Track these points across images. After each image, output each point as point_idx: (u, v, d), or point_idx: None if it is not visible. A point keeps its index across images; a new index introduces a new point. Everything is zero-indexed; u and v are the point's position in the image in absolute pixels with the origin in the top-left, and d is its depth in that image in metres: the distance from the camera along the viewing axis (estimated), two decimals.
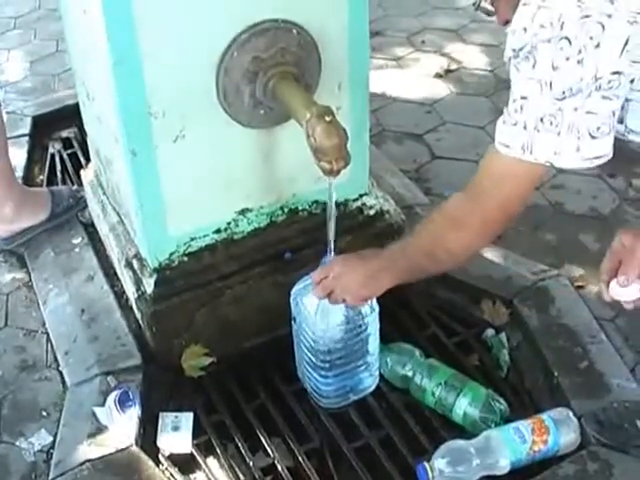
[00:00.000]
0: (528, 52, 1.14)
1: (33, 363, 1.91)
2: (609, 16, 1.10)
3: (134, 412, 1.69)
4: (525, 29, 1.15)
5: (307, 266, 1.86)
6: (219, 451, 1.71)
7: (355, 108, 1.81)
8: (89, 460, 1.60)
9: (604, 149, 1.19)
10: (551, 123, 1.17)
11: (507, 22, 1.26)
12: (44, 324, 2.00)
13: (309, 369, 1.75)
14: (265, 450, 1.71)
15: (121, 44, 1.48)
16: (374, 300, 1.66)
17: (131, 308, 1.93)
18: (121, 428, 1.67)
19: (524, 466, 1.58)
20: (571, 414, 1.62)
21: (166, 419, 1.74)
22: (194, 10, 1.50)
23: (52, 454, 1.67)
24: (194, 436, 1.72)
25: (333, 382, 1.73)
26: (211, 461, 1.69)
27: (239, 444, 1.72)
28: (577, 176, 2.45)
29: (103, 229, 2.07)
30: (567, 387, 1.70)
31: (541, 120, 1.18)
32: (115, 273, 2.04)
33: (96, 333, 1.89)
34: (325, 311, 1.64)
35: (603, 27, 1.10)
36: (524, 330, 1.90)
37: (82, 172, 2.20)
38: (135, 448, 1.63)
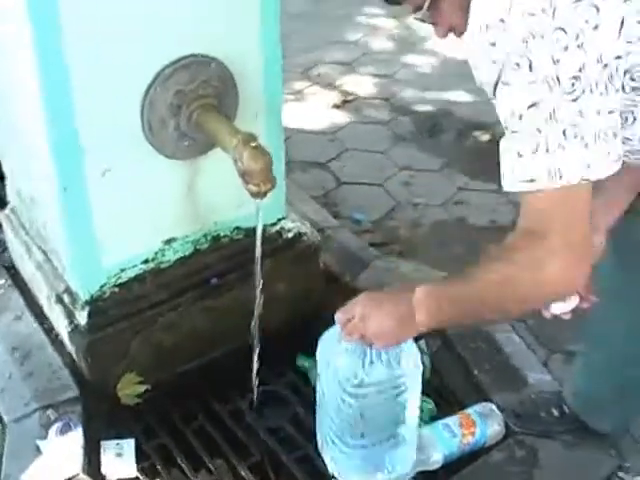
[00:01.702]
0: (519, 57, 1.06)
1: None
2: None
3: (77, 442, 1.72)
4: (503, 20, 1.08)
5: (233, 290, 1.95)
6: (163, 474, 1.75)
7: (271, 136, 1.91)
8: None
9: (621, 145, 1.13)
10: (575, 136, 1.07)
11: (450, 30, 1.26)
12: None
13: (332, 437, 1.56)
14: (208, 469, 1.76)
15: (52, 81, 1.53)
16: (418, 356, 1.50)
17: (62, 343, 1.96)
18: (66, 458, 1.69)
19: (456, 458, 1.69)
20: (494, 407, 1.75)
21: (108, 447, 1.78)
22: (120, 47, 1.58)
23: None
24: (137, 461, 1.75)
25: (360, 455, 1.55)
26: None
27: (182, 465, 1.76)
28: (476, 192, 2.62)
29: (28, 269, 2.09)
30: (488, 384, 1.83)
31: (564, 134, 1.08)
32: (42, 312, 2.06)
33: (30, 369, 1.90)
34: (359, 364, 1.45)
35: (597, 9, 1.05)
36: (442, 336, 2.02)
37: (0, 214, 2.22)
38: (82, 476, 1.66)
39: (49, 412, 1.80)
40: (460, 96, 3.36)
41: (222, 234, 1.98)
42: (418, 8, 1.25)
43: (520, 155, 1.10)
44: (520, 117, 1.08)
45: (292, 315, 2.06)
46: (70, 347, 1.90)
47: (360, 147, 2.98)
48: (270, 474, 1.77)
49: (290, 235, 2.08)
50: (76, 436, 1.74)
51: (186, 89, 1.68)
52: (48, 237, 1.94)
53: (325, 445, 1.62)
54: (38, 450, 1.72)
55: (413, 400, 1.52)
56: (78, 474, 1.66)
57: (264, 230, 2.01)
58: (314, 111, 3.22)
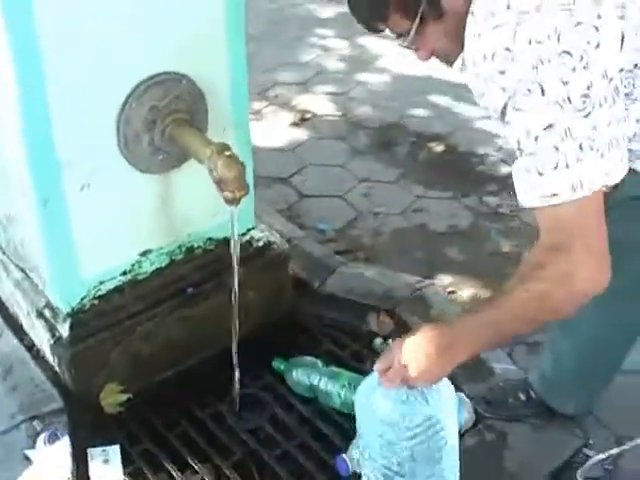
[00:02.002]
0: (530, 83, 1.15)
1: None
2: (599, 17, 1.15)
3: (65, 449, 1.77)
4: (509, 48, 1.16)
5: (208, 299, 2.03)
6: (150, 476, 1.81)
7: (240, 149, 1.98)
8: None
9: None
10: (591, 148, 1.15)
11: (433, 54, 1.35)
12: None
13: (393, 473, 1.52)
14: (193, 469, 1.82)
15: (30, 97, 1.61)
16: (455, 398, 1.52)
17: (43, 358, 2.01)
18: (56, 465, 1.74)
19: None
20: (464, 396, 1.85)
21: (95, 454, 1.83)
22: (96, 64, 1.66)
23: None
24: (124, 466, 1.81)
25: None
26: None
27: (167, 467, 1.82)
28: (434, 199, 2.74)
29: (6, 288, 2.13)
30: (457, 375, 1.92)
31: (580, 148, 1.15)
32: (22, 329, 2.10)
33: (13, 384, 1.95)
34: (401, 408, 1.44)
35: (597, 29, 1.15)
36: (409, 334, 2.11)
37: None
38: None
39: (35, 423, 1.85)
40: (412, 110, 3.49)
41: (195, 245, 2.06)
42: (402, 35, 1.34)
43: (540, 174, 1.17)
44: (536, 139, 1.16)
45: (264, 320, 2.14)
46: (53, 360, 1.95)
47: (319, 162, 3.08)
48: (253, 472, 1.83)
49: (260, 244, 2.17)
50: (63, 444, 1.79)
51: (160, 105, 1.77)
52: (26, 255, 1.99)
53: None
54: (27, 459, 1.77)
55: (453, 435, 1.54)
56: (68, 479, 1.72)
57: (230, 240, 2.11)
58: (273, 129, 3.31)
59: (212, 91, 1.87)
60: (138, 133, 1.77)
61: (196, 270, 2.07)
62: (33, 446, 1.79)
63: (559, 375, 1.82)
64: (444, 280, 2.37)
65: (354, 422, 1.84)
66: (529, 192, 1.21)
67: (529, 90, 1.14)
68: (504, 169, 2.89)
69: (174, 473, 1.81)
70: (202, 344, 2.06)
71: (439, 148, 3.20)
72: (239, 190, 1.66)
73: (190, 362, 2.04)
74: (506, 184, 2.81)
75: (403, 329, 2.15)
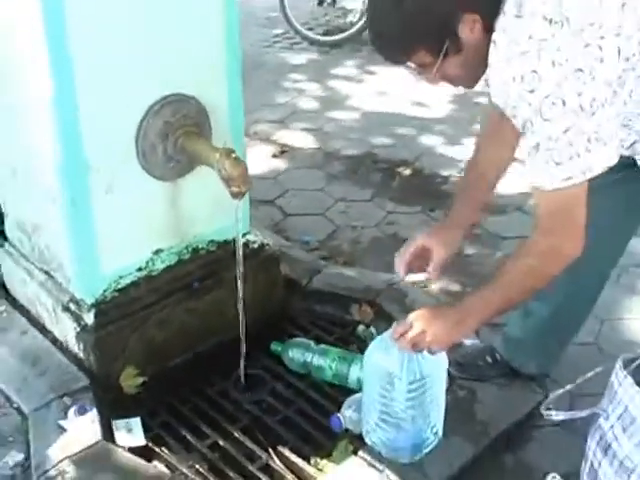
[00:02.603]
0: (555, 98, 1.40)
1: None
2: (602, 38, 1.40)
3: (94, 419, 2.04)
4: (536, 72, 1.41)
5: (210, 293, 2.32)
6: (168, 440, 2.07)
7: None
8: (67, 457, 1.93)
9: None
10: (597, 140, 1.43)
11: (443, 79, 1.58)
12: None
13: (384, 426, 1.87)
14: (206, 435, 2.09)
15: (65, 111, 1.91)
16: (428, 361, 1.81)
17: (67, 349, 2.27)
18: (87, 432, 2.01)
19: None
20: None
21: (119, 424, 2.09)
22: (119, 87, 1.97)
23: (28, 465, 1.97)
24: (145, 434, 2.08)
25: (411, 435, 1.87)
26: (165, 448, 2.05)
27: (183, 433, 2.09)
28: (405, 214, 3.07)
29: (30, 291, 2.40)
30: None
31: (588, 141, 1.43)
32: (45, 327, 2.37)
33: (42, 369, 2.21)
34: (405, 369, 1.78)
35: (601, 48, 1.40)
36: (388, 320, 2.41)
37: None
38: (104, 442, 1.97)
39: (65, 399, 2.10)
40: (381, 141, 3.85)
41: (200, 246, 2.36)
42: (424, 67, 1.57)
43: (558, 163, 1.46)
44: (556, 140, 1.43)
45: (259, 313, 2.40)
46: (78, 347, 2.21)
47: (300, 187, 3.40)
48: (257, 434, 2.11)
49: (255, 246, 2.47)
50: (92, 415, 2.05)
51: (172, 120, 2.08)
52: (51, 257, 2.27)
53: (377, 428, 1.91)
54: (61, 428, 2.02)
55: (443, 387, 1.91)
56: (100, 440, 1.98)
57: (233, 242, 2.41)
58: (256, 160, 3.62)
59: (214, 110, 2.19)
60: (154, 144, 2.08)
61: (200, 268, 2.36)
62: (65, 418, 2.05)
63: (523, 339, 2.13)
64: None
65: (344, 391, 2.16)
66: (549, 178, 1.49)
67: (553, 103, 1.40)
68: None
69: (189, 437, 2.08)
70: (207, 332, 2.33)
71: (407, 172, 3.55)
72: (244, 185, 1.98)
73: (198, 348, 2.31)
74: None
75: (382, 317, 2.46)
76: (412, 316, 1.74)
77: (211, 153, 2.02)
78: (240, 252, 2.14)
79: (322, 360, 2.25)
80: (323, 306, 2.55)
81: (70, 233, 2.11)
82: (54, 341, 2.33)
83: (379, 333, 2.36)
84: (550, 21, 1.41)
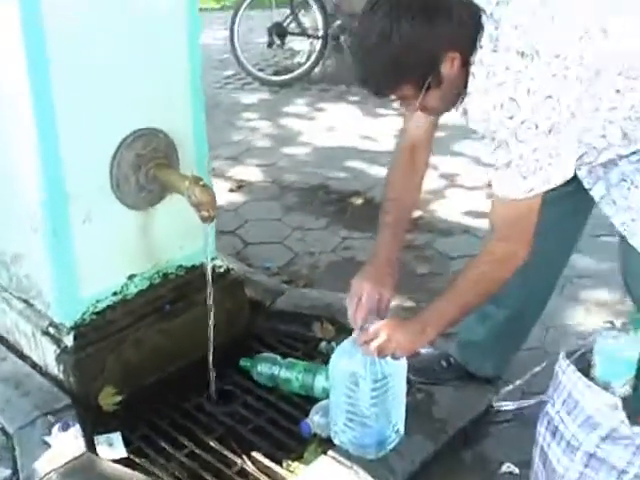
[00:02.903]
0: (530, 123, 1.60)
1: None
2: (566, 68, 1.60)
3: (77, 433, 2.17)
4: (514, 99, 1.60)
5: (180, 315, 2.48)
6: (149, 452, 2.21)
7: None
8: (54, 469, 2.05)
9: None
10: (558, 155, 1.65)
11: (421, 109, 1.76)
12: None
13: (351, 425, 2.04)
14: (184, 445, 2.23)
15: (47, 147, 2.07)
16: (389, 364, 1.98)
17: (47, 372, 2.40)
18: (71, 446, 2.13)
19: None
20: None
21: (100, 439, 2.21)
22: (95, 121, 2.14)
23: (17, 478, 2.08)
24: (126, 447, 2.21)
25: (376, 432, 2.04)
26: (145, 459, 2.18)
27: (162, 444, 2.23)
28: (359, 239, 3.27)
29: (8, 320, 2.52)
30: None
31: (550, 157, 1.64)
32: (23, 354, 2.49)
33: (25, 391, 2.32)
34: (368, 370, 1.96)
35: (565, 77, 1.60)
36: (348, 336, 2.57)
37: None
38: (89, 454, 2.10)
39: (49, 417, 2.21)
40: (333, 174, 4.06)
41: (170, 271, 2.51)
42: (407, 99, 1.72)
43: (524, 177, 1.67)
44: (527, 158, 1.64)
45: (227, 333, 2.55)
46: (58, 369, 2.33)
47: (258, 218, 3.58)
48: (232, 443, 2.25)
49: (221, 270, 2.63)
50: (75, 430, 2.18)
51: (143, 152, 2.25)
52: (31, 285, 2.40)
53: (345, 429, 2.07)
54: (46, 444, 2.15)
55: (403, 387, 2.09)
56: (85, 452, 2.11)
57: (201, 266, 2.57)
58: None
59: (181, 143, 2.37)
60: (127, 175, 2.25)
61: (171, 291, 2.51)
62: (49, 434, 2.17)
63: (479, 343, 2.32)
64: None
65: (311, 400, 2.32)
66: (514, 190, 1.70)
67: (528, 127, 1.60)
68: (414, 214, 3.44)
69: (168, 448, 2.21)
70: (180, 351, 2.48)
71: (359, 202, 3.76)
72: (213, 209, 2.15)
73: (171, 367, 2.46)
74: (417, 225, 3.37)
75: (343, 333, 2.62)
76: (377, 326, 1.91)
77: (181, 182, 2.19)
78: (209, 273, 2.30)
79: (289, 373, 2.41)
80: (287, 325, 2.71)
81: (52, 261, 2.25)
82: (33, 366, 2.45)
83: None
84: (523, 54, 1.60)
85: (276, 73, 5.77)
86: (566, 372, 1.81)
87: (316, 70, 5.67)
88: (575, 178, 1.86)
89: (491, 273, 1.84)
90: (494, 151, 1.70)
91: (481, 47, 1.64)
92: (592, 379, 1.79)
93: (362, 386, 1.97)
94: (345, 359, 2.01)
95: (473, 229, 3.36)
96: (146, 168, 2.26)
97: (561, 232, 2.11)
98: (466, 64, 1.67)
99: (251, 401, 2.40)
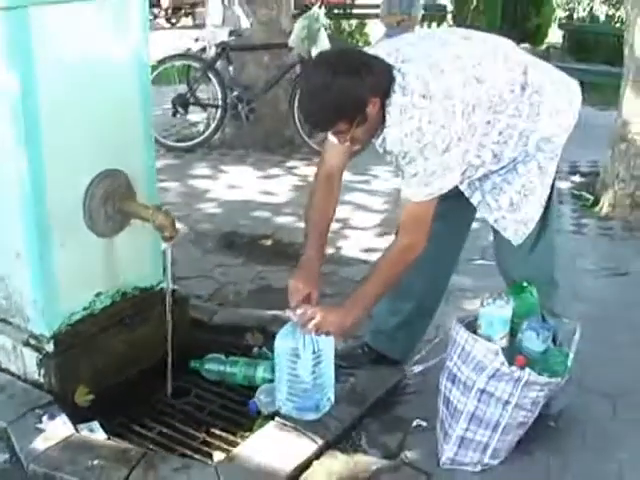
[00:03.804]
0: (431, 145, 2.20)
1: None
2: (453, 105, 2.20)
3: (65, 420, 2.60)
4: (420, 129, 2.19)
5: (138, 328, 2.95)
6: (125, 434, 2.65)
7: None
8: (50, 447, 2.48)
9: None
10: (449, 168, 2.26)
11: (350, 142, 2.34)
12: None
13: (293, 396, 2.57)
14: (153, 427, 2.69)
15: (36, 187, 2.55)
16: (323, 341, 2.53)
17: (26, 380, 2.80)
18: (62, 429, 2.56)
19: None
20: None
21: (82, 426, 2.62)
22: (73, 165, 2.63)
23: (16, 459, 2.48)
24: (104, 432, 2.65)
25: (314, 398, 2.57)
26: (123, 439, 2.62)
27: (135, 428, 2.68)
28: (273, 271, 3.82)
29: None
30: None
31: (444, 169, 2.25)
32: (1, 368, 2.89)
33: (10, 394, 2.72)
34: (306, 345, 2.51)
35: (454, 112, 2.20)
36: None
37: None
38: (77, 434, 2.54)
39: (37, 411, 2.64)
40: (242, 222, 4.63)
41: (128, 290, 2.99)
42: (340, 133, 2.29)
43: (426, 185, 2.27)
44: (429, 170, 2.25)
45: (175, 342, 3.04)
46: (39, 373, 2.74)
47: (182, 258, 4.06)
48: (192, 424, 2.73)
49: (168, 289, 3.12)
50: (63, 418, 2.61)
51: (110, 188, 2.76)
52: (10, 305, 2.82)
53: (286, 402, 2.61)
54: (39, 430, 2.56)
55: (332, 362, 2.63)
56: (74, 433, 2.55)
57: (152, 287, 3.07)
58: None
59: (137, 180, 2.89)
60: (97, 207, 2.74)
61: (130, 307, 2.98)
62: (40, 423, 2.59)
63: (390, 332, 2.88)
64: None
65: (253, 389, 2.83)
66: (418, 194, 2.30)
67: (430, 148, 2.21)
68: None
69: (141, 430, 2.67)
70: (139, 357, 2.94)
71: (268, 242, 4.33)
72: (173, 230, 2.68)
73: (133, 370, 2.91)
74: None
75: (271, 339, 3.15)
76: (313, 310, 2.46)
77: (145, 210, 2.72)
78: (169, 293, 2.81)
79: (233, 368, 2.92)
80: (224, 336, 3.22)
81: (35, 282, 2.69)
82: (12, 375, 2.85)
83: (271, 351, 3.08)
84: (424, 96, 2.22)
85: (178, 140, 6.34)
86: (459, 332, 2.42)
87: (215, 137, 6.26)
88: (460, 191, 2.53)
89: (399, 259, 2.43)
90: (405, 165, 2.31)
91: (394, 92, 2.26)
92: (479, 335, 2.40)
93: (302, 358, 2.51)
94: (287, 339, 2.55)
95: (369, 260, 3.97)
96: (113, 201, 2.76)
97: (451, 228, 2.72)
98: (383, 106, 2.28)
99: (203, 393, 2.89)
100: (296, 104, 5.90)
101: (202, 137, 6.19)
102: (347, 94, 2.20)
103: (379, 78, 2.26)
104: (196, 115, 6.64)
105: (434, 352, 3.03)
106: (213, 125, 6.17)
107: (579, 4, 12.06)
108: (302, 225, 4.42)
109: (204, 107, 6.42)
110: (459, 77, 2.28)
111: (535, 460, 2.52)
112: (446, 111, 2.23)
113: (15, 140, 2.51)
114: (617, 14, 10.86)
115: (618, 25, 10.31)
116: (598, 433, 2.67)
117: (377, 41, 8.27)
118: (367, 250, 4.20)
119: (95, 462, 2.41)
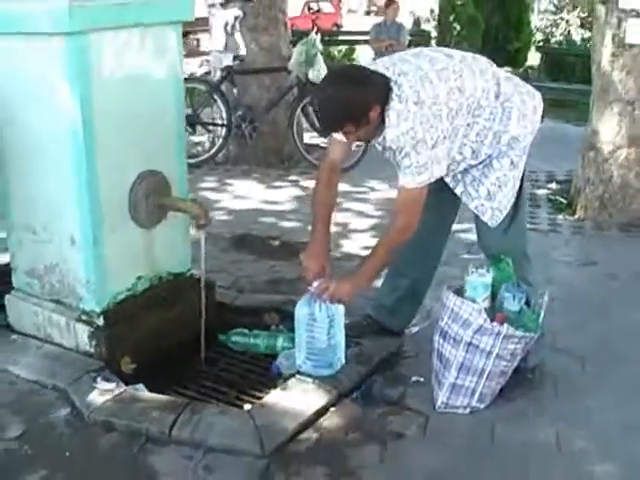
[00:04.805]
0: (422, 141, 2.67)
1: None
2: (440, 110, 2.67)
3: (117, 380, 3.07)
4: (413, 128, 2.66)
5: (173, 307, 3.43)
6: (168, 392, 3.11)
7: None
8: (105, 401, 2.95)
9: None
10: (437, 161, 2.72)
11: (357, 139, 2.93)
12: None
13: (311, 356, 3.04)
14: (191, 387, 3.16)
15: (93, 181, 3.04)
16: (334, 308, 3.01)
17: (77, 351, 3.26)
18: (114, 387, 3.03)
19: None
20: None
21: (129, 388, 3.11)
22: (120, 166, 3.12)
23: (77, 412, 2.94)
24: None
25: (328, 356, 3.05)
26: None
27: (176, 389, 3.15)
28: (284, 267, 4.31)
29: (40, 319, 3.36)
30: None
31: (432, 162, 2.71)
32: (54, 343, 3.34)
33: (66, 362, 3.16)
34: (322, 310, 2.99)
35: (440, 116, 2.68)
36: (290, 320, 3.59)
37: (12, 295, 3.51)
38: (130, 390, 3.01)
39: (91, 374, 3.11)
40: (253, 226, 5.13)
41: (163, 275, 3.48)
42: (348, 133, 2.80)
43: (419, 174, 2.74)
44: (421, 162, 2.72)
45: (204, 320, 3.52)
46: (90, 344, 3.20)
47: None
48: (224, 384, 3.20)
49: (197, 276, 3.61)
50: (115, 379, 3.08)
51: (150, 185, 3.25)
52: (62, 287, 3.29)
53: (306, 361, 3.08)
54: (94, 388, 3.03)
55: (342, 328, 3.13)
56: (126, 389, 3.02)
57: (183, 273, 3.56)
58: None
59: (172, 180, 3.38)
60: (140, 201, 3.23)
61: (165, 290, 3.47)
62: (96, 383, 3.06)
63: (390, 306, 3.37)
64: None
65: (274, 357, 3.31)
66: (412, 182, 2.78)
67: (421, 145, 2.69)
68: None
69: (180, 390, 3.14)
70: (174, 332, 3.41)
71: (276, 242, 4.83)
72: (207, 218, 3.17)
73: (170, 343, 3.38)
74: None
75: (286, 318, 3.62)
76: (327, 281, 2.97)
77: (182, 203, 3.22)
78: (203, 265, 3.30)
79: (256, 339, 3.40)
80: (245, 317, 3.70)
81: (88, 264, 3.16)
82: (66, 349, 3.31)
83: (287, 329, 3.56)
84: (416, 103, 2.71)
85: (187, 157, 6.83)
86: (448, 297, 2.91)
87: (220, 154, 6.77)
88: (446, 185, 3.04)
89: (395, 238, 2.93)
90: (401, 159, 2.80)
91: (392, 99, 2.76)
92: (465, 299, 2.89)
93: (318, 320, 3.00)
94: (305, 307, 3.04)
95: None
96: (153, 196, 3.25)
97: (441, 212, 3.21)
98: (383, 111, 2.78)
99: (230, 361, 3.37)
100: (295, 122, 6.45)
101: (208, 154, 6.69)
102: (353, 102, 2.72)
103: (379, 88, 2.77)
104: (196, 136, 7.12)
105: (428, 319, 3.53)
106: (219, 143, 6.68)
107: (556, 28, 12.71)
108: (306, 228, 4.96)
109: (207, 127, 6.90)
110: (444, 87, 2.78)
111: (515, 405, 3.00)
112: (434, 114, 2.73)
113: (75, 141, 2.98)
114: None
115: None
116: (569, 385, 3.15)
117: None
118: (364, 248, 4.69)
119: (146, 409, 2.87)
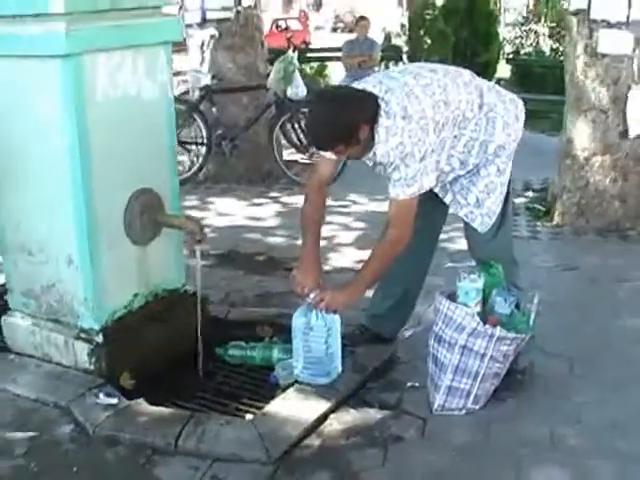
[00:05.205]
0: (411, 155, 2.77)
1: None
2: (426, 124, 2.76)
3: (119, 395, 3.12)
4: (402, 143, 2.75)
5: (167, 321, 3.49)
6: (168, 406, 3.17)
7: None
8: (109, 416, 3.00)
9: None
10: (426, 173, 2.81)
11: (347, 157, 3.02)
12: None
13: (309, 365, 3.12)
14: (191, 400, 3.21)
15: (88, 202, 3.11)
16: (331, 318, 3.08)
17: (77, 369, 3.31)
18: (117, 402, 3.08)
19: None
20: None
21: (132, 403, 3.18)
22: (115, 184, 3.18)
23: (80, 428, 2.99)
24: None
25: (326, 366, 3.12)
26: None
27: (176, 402, 3.20)
28: (270, 282, 4.38)
29: (37, 338, 3.41)
30: None
31: (421, 174, 2.79)
32: (52, 361, 3.39)
33: (67, 380, 3.22)
34: (318, 320, 3.06)
35: (427, 130, 2.77)
36: (282, 333, 3.66)
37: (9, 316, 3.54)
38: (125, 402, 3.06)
39: (93, 390, 3.17)
40: (241, 243, 5.20)
41: (159, 292, 3.54)
42: (339, 153, 2.91)
43: (409, 186, 2.83)
44: (410, 175, 2.81)
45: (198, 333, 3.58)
46: (89, 362, 3.25)
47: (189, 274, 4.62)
48: (224, 396, 3.26)
49: (191, 291, 3.67)
50: (117, 394, 3.13)
51: (145, 203, 3.32)
52: (60, 307, 3.34)
53: (304, 370, 3.16)
54: (97, 404, 3.08)
55: (339, 337, 3.20)
56: (129, 404, 3.07)
57: (176, 289, 3.62)
58: None
59: (165, 198, 3.45)
60: (135, 219, 3.29)
61: (161, 306, 3.53)
62: (99, 399, 3.11)
63: (383, 315, 3.45)
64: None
65: (270, 368, 3.37)
66: (402, 193, 2.86)
67: (410, 158, 2.78)
68: None
69: (181, 403, 3.20)
70: (170, 347, 3.47)
71: (262, 258, 4.90)
72: (202, 233, 3.24)
73: (167, 357, 3.44)
74: None
75: (278, 331, 3.69)
76: (323, 291, 3.05)
77: (176, 219, 3.28)
78: (199, 280, 3.36)
79: (252, 352, 3.46)
80: (238, 330, 3.76)
81: (87, 282, 3.22)
82: (64, 367, 3.36)
83: (281, 341, 3.63)
84: (404, 118, 2.81)
85: None
86: (442, 302, 3.00)
87: (200, 174, 6.83)
88: (434, 195, 3.13)
89: (389, 250, 3.02)
90: (392, 172, 2.89)
91: (381, 116, 2.85)
92: (457, 303, 2.98)
93: (315, 330, 3.08)
94: (301, 317, 3.12)
95: (354, 268, 4.54)
96: (147, 213, 3.32)
97: (430, 223, 3.30)
98: (372, 128, 2.86)
99: (228, 374, 3.43)
100: (275, 139, 6.54)
101: (188, 174, 6.73)
102: (344, 124, 2.82)
103: (368, 107, 2.86)
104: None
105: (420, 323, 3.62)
106: (199, 162, 6.74)
107: (526, 39, 12.94)
108: (290, 243, 5.05)
109: (187, 146, 6.95)
110: (430, 101, 2.88)
111: (509, 405, 3.10)
112: (422, 128, 2.83)
113: (71, 161, 3.04)
114: (561, 48, 11.69)
115: (562, 58, 11.13)
116: (557, 385, 3.25)
117: (341, 81, 8.97)
118: (353, 261, 4.79)
119: (151, 422, 2.92)
